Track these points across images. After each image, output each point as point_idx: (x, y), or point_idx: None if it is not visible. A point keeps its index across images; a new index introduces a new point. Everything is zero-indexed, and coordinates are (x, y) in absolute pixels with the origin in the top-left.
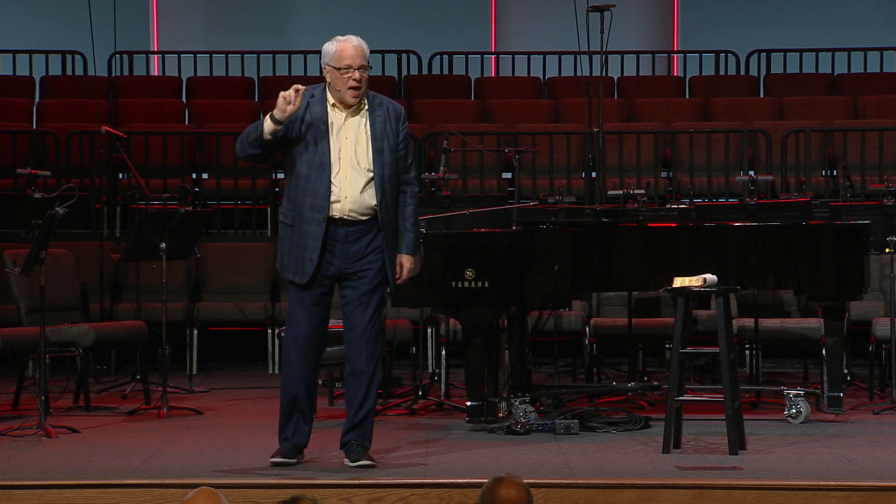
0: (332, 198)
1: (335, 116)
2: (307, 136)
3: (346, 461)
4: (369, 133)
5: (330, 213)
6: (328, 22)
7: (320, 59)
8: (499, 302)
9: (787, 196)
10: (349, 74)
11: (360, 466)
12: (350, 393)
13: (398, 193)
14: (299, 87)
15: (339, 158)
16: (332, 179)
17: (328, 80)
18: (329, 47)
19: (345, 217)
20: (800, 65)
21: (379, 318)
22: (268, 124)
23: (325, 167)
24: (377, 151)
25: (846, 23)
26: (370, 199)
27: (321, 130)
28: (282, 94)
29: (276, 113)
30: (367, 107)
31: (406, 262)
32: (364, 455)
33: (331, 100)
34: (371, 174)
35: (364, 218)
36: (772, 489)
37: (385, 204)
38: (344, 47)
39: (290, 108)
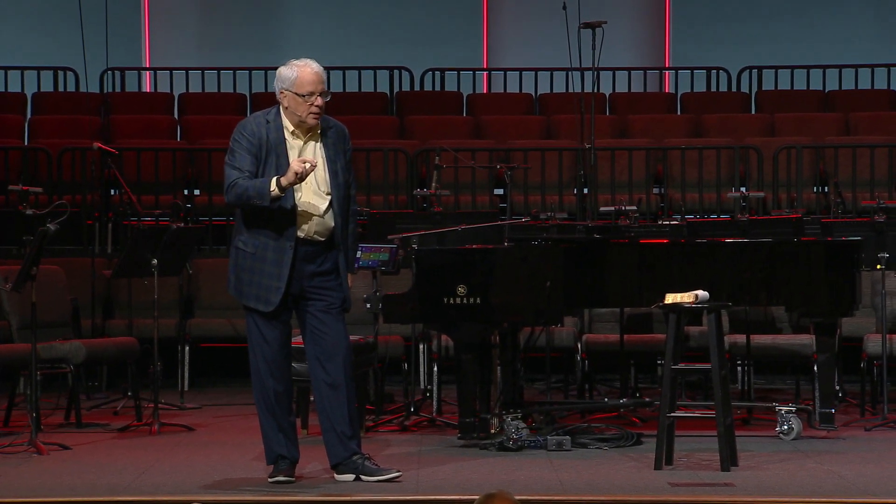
0: (300, 221)
1: (294, 142)
2: (268, 163)
3: (364, 478)
4: (324, 157)
5: (297, 235)
6: (320, 38)
7: (276, 82)
8: (491, 318)
9: (778, 212)
10: (312, 100)
11: (391, 479)
12: (329, 406)
13: (348, 214)
14: (312, 159)
15: (302, 184)
16: (297, 204)
17: (286, 104)
18: (288, 73)
19: (308, 238)
20: (791, 81)
21: (348, 333)
22: (276, 194)
23: (289, 194)
24: (332, 174)
25: (837, 39)
26: (330, 221)
27: (283, 158)
28: (296, 168)
29: (285, 182)
30: (319, 129)
31: (349, 280)
32: (382, 468)
33: (289, 126)
34: (329, 197)
35: (322, 240)
36: None
37: (340, 225)
38: (305, 73)
39: (298, 183)
